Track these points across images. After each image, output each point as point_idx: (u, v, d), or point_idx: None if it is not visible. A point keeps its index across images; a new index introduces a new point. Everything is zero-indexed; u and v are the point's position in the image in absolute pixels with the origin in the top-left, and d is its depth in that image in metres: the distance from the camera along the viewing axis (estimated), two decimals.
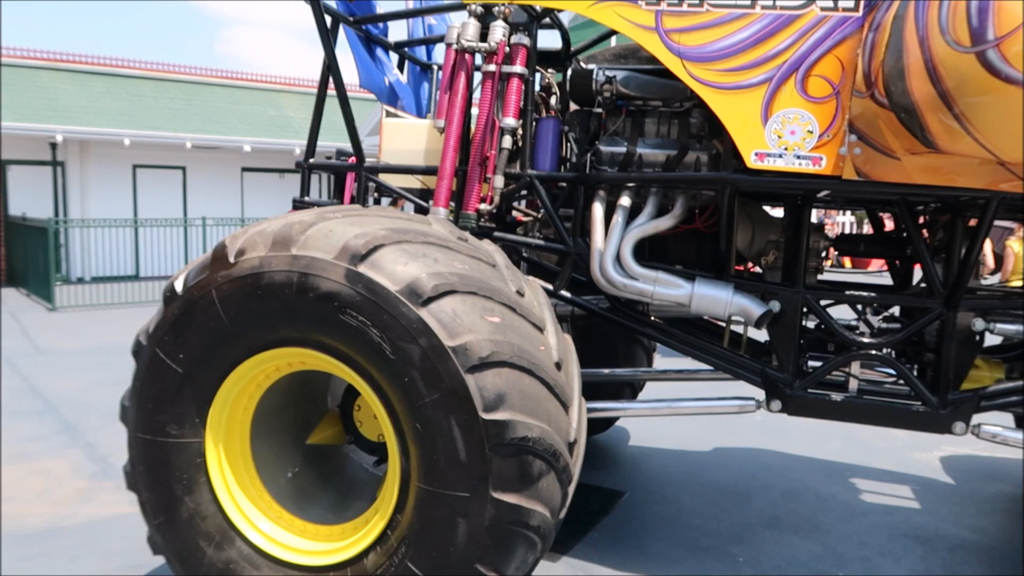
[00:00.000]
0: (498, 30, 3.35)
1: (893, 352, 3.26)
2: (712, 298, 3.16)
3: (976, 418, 3.06)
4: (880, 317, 3.24)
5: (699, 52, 2.83)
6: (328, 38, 3.52)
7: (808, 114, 2.74)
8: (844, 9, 2.68)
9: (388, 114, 3.96)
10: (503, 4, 3.37)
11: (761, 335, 3.58)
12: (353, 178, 3.93)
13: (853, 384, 3.23)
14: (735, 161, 2.90)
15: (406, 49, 4.55)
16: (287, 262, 2.36)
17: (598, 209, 3.32)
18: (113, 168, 16.02)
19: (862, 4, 2.66)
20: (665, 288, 3.19)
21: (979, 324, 3.02)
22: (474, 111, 3.53)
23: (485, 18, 3.44)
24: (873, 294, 3.22)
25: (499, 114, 3.38)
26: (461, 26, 3.43)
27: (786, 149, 2.77)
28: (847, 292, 3.23)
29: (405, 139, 3.77)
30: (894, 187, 2.70)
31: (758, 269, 3.74)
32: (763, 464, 5.02)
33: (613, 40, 4.43)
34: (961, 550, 3.80)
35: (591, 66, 3.87)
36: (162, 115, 16.46)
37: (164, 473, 2.58)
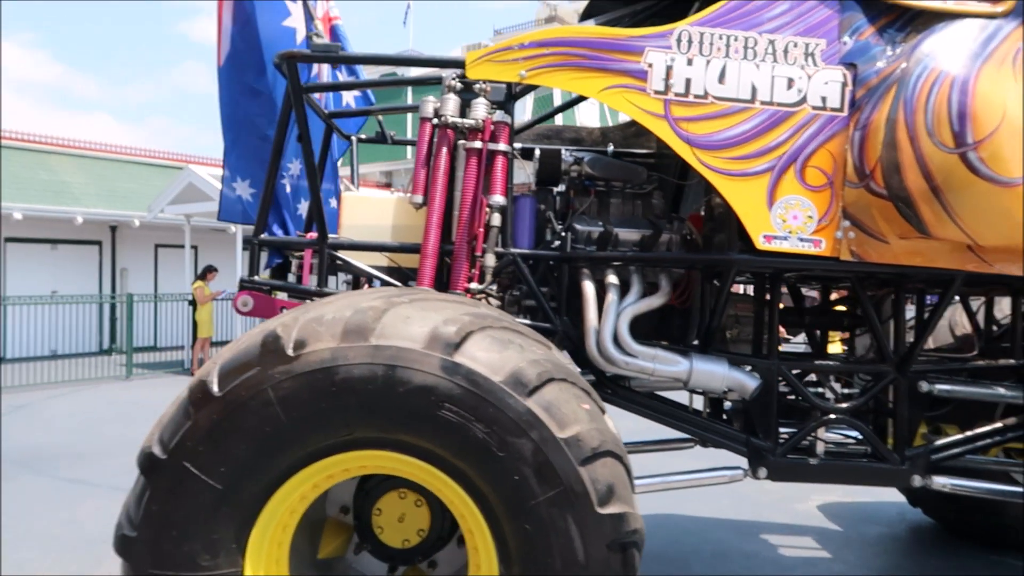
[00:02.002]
0: (480, 107, 3.31)
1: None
2: (710, 373, 3.27)
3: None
4: (837, 384, 3.55)
5: (707, 140, 3.00)
6: (303, 106, 3.25)
7: (807, 201, 3.00)
8: (832, 109, 3.00)
9: (346, 187, 3.71)
10: (482, 81, 3.34)
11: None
12: (310, 255, 3.60)
13: (820, 447, 3.48)
14: (741, 243, 3.07)
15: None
16: (367, 354, 2.10)
17: (589, 287, 3.33)
18: None
19: (846, 105, 2.99)
20: (665, 364, 3.26)
21: (925, 386, 3.42)
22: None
23: (462, 94, 3.39)
24: (836, 363, 3.52)
25: (486, 192, 3.31)
26: (440, 101, 3.35)
27: (790, 232, 2.99)
28: (816, 362, 3.51)
29: (368, 214, 3.55)
30: (883, 267, 3.01)
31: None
32: (678, 527, 5.20)
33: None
34: None
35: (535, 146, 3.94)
36: None
37: None
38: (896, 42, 3.01)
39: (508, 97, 3.46)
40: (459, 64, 3.17)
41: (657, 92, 3.02)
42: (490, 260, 3.26)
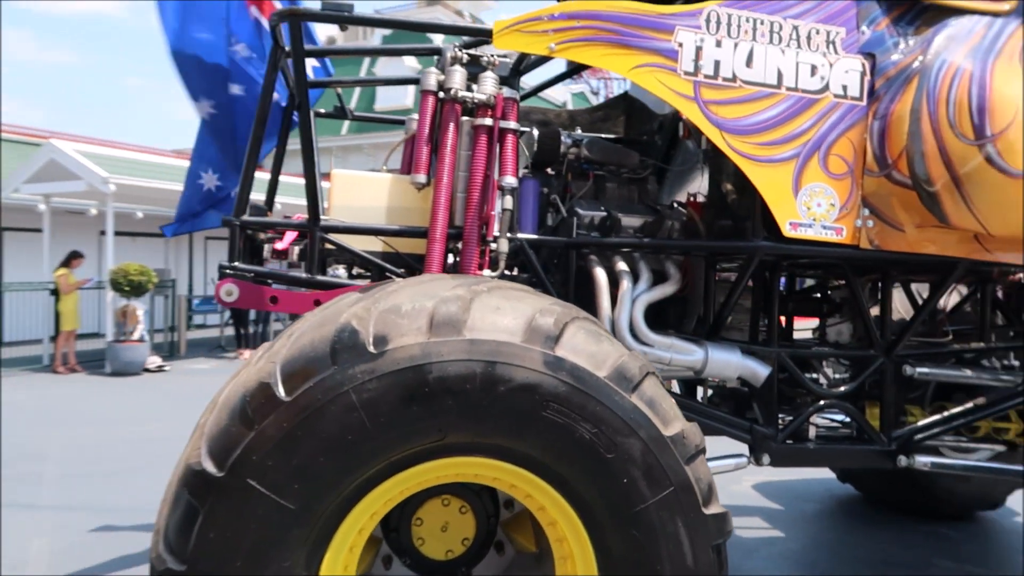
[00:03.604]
0: (490, 81, 3.10)
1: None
2: (725, 362, 3.24)
3: None
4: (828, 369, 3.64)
5: (736, 125, 2.94)
6: (304, 72, 2.90)
7: (830, 188, 3.01)
8: (852, 98, 3.02)
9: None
10: (490, 55, 3.14)
11: None
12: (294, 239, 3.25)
13: (812, 432, 3.55)
14: (765, 233, 3.05)
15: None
16: (463, 349, 1.87)
17: (601, 275, 3.20)
18: None
19: (865, 94, 3.03)
20: (681, 354, 3.19)
21: (908, 370, 3.56)
22: None
23: (468, 67, 3.16)
24: (831, 349, 3.60)
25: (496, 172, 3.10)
26: (445, 73, 3.10)
27: (815, 220, 3.00)
28: (812, 349, 3.57)
29: (361, 195, 3.23)
30: (898, 255, 3.08)
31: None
32: None
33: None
34: (845, 561, 4.37)
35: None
36: None
37: None
38: (909, 34, 3.08)
39: (514, 72, 3.27)
40: (485, 33, 2.94)
41: (687, 73, 2.92)
42: (504, 246, 3.06)
